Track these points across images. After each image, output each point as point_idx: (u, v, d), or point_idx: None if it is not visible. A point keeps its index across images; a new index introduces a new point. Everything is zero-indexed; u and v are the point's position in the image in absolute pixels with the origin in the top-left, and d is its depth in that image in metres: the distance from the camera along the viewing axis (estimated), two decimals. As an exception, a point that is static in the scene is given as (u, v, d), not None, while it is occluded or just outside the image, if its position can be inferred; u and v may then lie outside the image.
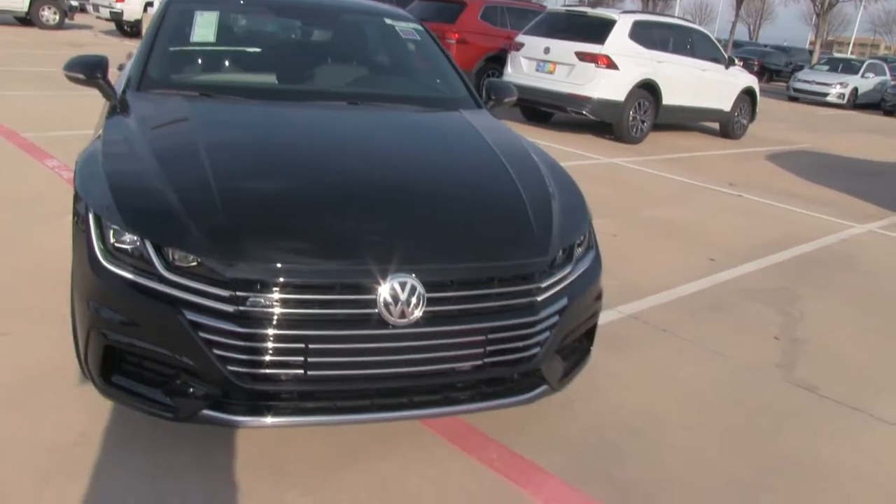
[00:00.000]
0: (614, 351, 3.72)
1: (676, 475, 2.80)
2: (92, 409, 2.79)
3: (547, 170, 3.11)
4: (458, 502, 2.52)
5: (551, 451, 2.85)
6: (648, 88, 10.28)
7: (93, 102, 9.01)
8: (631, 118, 10.19)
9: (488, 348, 2.47)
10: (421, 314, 2.33)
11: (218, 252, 2.24)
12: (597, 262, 2.93)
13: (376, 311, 2.29)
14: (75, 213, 2.59)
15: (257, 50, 3.90)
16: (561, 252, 2.70)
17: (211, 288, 2.24)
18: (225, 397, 2.31)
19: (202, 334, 2.22)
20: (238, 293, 2.22)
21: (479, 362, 2.48)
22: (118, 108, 3.15)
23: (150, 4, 18.09)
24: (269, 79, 3.63)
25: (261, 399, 2.32)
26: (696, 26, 11.70)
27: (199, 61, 3.64)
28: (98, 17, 20.93)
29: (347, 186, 2.63)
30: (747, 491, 2.76)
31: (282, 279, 2.24)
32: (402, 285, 2.30)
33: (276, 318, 2.23)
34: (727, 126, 12.07)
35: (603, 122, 10.42)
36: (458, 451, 2.78)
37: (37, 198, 5.28)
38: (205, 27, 3.63)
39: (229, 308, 2.22)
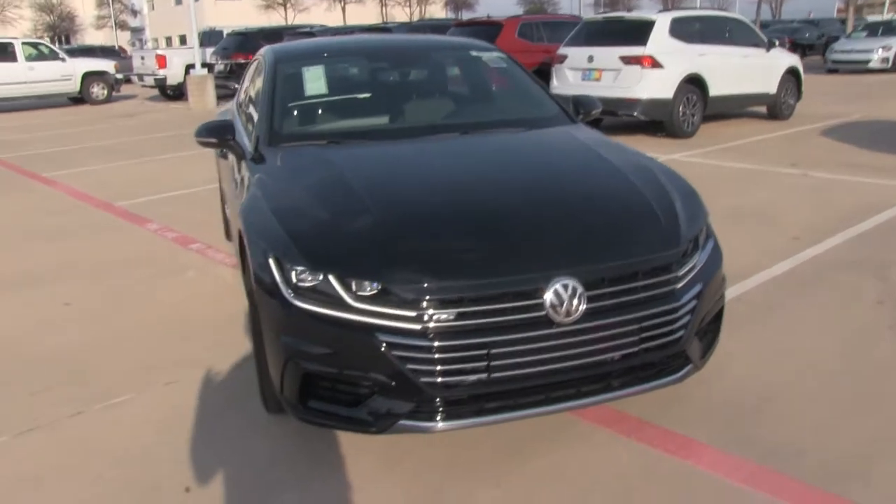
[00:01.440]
0: (729, 332, 3.90)
1: (819, 429, 3.00)
2: (273, 436, 3.11)
3: (657, 169, 3.36)
4: (634, 478, 2.76)
5: (699, 424, 3.08)
6: (695, 82, 10.47)
7: (164, 169, 9.60)
8: (681, 114, 10.37)
9: (642, 335, 2.72)
10: (583, 311, 2.59)
11: (399, 277, 2.54)
12: (717, 249, 3.16)
13: (544, 312, 2.57)
14: (249, 261, 2.89)
15: (366, 95, 4.23)
16: (689, 243, 2.95)
17: (398, 310, 2.52)
18: (418, 407, 2.59)
19: (395, 353, 2.50)
20: (423, 312, 2.51)
21: (634, 349, 2.73)
22: (258, 161, 3.49)
23: (191, 66, 18.76)
24: (383, 120, 3.96)
25: (450, 405, 2.60)
26: (732, 14, 11.90)
27: (318, 112, 3.98)
28: (143, 86, 21.79)
29: (494, 203, 2.92)
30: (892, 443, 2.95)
31: (460, 294, 2.53)
32: (565, 287, 2.58)
33: (459, 329, 2.52)
34: (775, 108, 12.14)
35: (654, 121, 10.63)
36: (616, 434, 3.03)
37: (150, 259, 5.70)
38: (314, 81, 3.97)
39: (417, 326, 2.51)
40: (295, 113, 3.90)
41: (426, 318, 2.51)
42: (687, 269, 2.89)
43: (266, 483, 2.80)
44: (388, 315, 2.53)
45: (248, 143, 3.79)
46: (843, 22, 36.29)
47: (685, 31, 10.56)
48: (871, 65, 22.54)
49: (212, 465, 2.93)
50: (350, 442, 3.01)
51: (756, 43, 11.68)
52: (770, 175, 8.07)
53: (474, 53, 4.58)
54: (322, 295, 2.61)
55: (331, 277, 2.60)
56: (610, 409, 3.18)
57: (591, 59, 10.63)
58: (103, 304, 4.78)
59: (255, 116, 3.98)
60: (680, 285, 2.84)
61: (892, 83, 19.80)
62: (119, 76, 21.75)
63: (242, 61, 18.07)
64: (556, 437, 3.02)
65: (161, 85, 20.91)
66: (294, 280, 2.66)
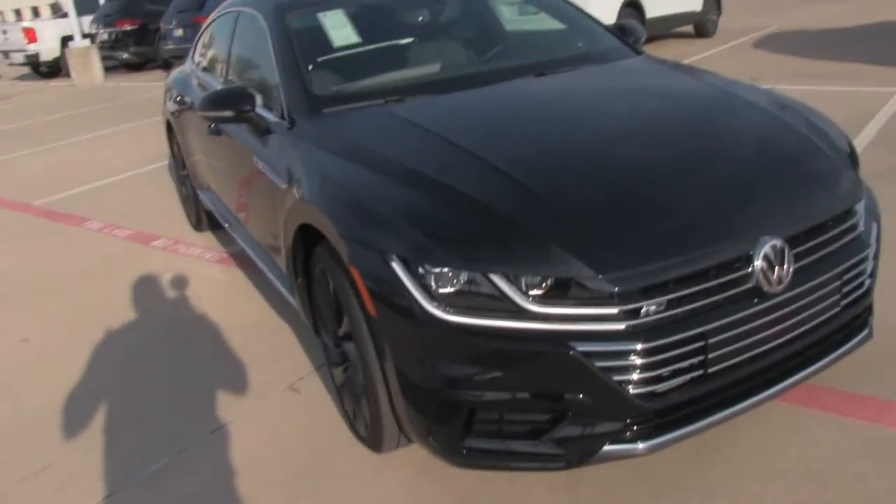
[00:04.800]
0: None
1: None
2: (392, 486, 2.50)
3: (793, 102, 2.91)
4: (854, 457, 2.32)
5: (876, 381, 2.68)
6: (633, 6, 10.11)
7: (76, 155, 8.50)
8: (623, 40, 9.98)
9: (843, 290, 2.29)
10: (792, 274, 2.11)
11: (587, 264, 1.96)
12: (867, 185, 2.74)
13: (754, 283, 2.07)
14: (352, 265, 2.24)
15: (409, 40, 3.52)
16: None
17: (593, 308, 1.96)
18: (624, 426, 2.05)
19: (598, 363, 1.95)
20: (626, 305, 1.95)
21: (837, 308, 2.29)
22: (305, 134, 2.79)
23: (69, 39, 16.87)
24: (435, 67, 3.27)
25: (659, 415, 2.07)
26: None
27: (358, 66, 3.24)
28: (11, 64, 19.51)
29: (654, 161, 2.33)
30: None
31: (662, 278, 1.98)
32: (774, 249, 2.08)
33: (670, 320, 1.99)
34: (701, 25, 11.97)
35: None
36: (796, 406, 2.59)
37: (110, 266, 4.85)
38: (339, 28, 3.24)
39: (620, 325, 1.95)
40: (330, 70, 3.17)
41: (630, 312, 1.96)
42: (863, 209, 2.45)
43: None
44: (581, 316, 1.96)
45: (268, 115, 3.07)
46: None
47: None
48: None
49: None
50: (504, 477, 2.42)
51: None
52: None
53: (504, -17, 3.97)
54: (481, 300, 2.00)
55: (494, 276, 1.99)
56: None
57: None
58: (72, 333, 3.91)
59: (263, 80, 3.25)
60: (862, 227, 2.41)
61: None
62: (-23, 56, 19.39)
63: (129, 28, 16.44)
64: (733, 428, 2.54)
65: (34, 62, 18.58)
66: (434, 285, 2.04)
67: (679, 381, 2.02)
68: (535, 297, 1.97)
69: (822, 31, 11.57)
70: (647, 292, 1.97)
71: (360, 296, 2.21)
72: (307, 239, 2.70)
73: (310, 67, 3.09)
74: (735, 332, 2.05)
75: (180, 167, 5.21)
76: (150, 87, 14.29)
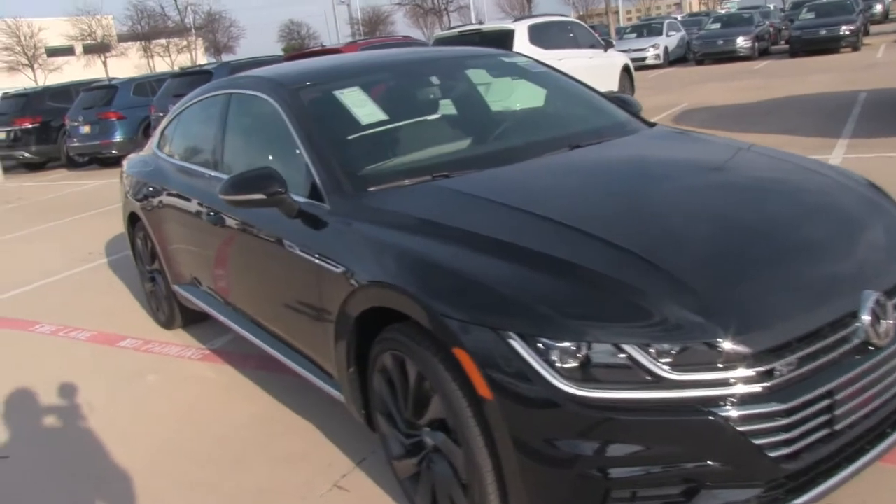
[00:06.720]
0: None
1: None
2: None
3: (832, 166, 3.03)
4: None
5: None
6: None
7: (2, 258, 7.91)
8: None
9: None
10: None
11: (723, 329, 1.91)
12: None
13: (863, 338, 2.05)
14: (447, 348, 2.12)
15: (436, 115, 3.46)
16: None
17: (728, 373, 1.89)
18: (764, 492, 1.95)
19: (740, 428, 1.87)
20: (760, 368, 1.90)
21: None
22: (354, 215, 2.66)
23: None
24: (465, 142, 3.21)
25: (795, 478, 1.98)
26: (572, 19, 12.10)
27: (390, 143, 3.14)
28: None
29: (751, 228, 2.32)
30: None
31: (787, 338, 1.95)
32: (878, 303, 2.08)
33: (799, 380, 1.94)
34: (619, 104, 12.54)
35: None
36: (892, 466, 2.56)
37: (79, 371, 4.42)
38: (361, 106, 3.14)
39: (757, 387, 1.89)
40: (361, 148, 3.06)
41: (765, 374, 1.90)
42: None
43: None
44: (718, 381, 1.88)
45: (298, 197, 2.90)
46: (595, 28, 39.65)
47: (540, 36, 10.56)
48: (648, 60, 24.58)
49: None
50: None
51: (594, 44, 11.97)
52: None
53: (507, 60, 3.98)
54: (612, 372, 1.90)
55: (626, 346, 1.90)
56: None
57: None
58: (62, 448, 3.55)
59: (279, 163, 3.10)
60: None
61: (674, 75, 21.47)
62: None
63: (29, 125, 15.86)
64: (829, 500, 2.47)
65: None
66: (558, 360, 1.93)
67: (810, 440, 1.96)
68: (668, 364, 1.89)
69: (728, 106, 12.27)
70: (777, 352, 1.92)
71: (467, 378, 2.06)
72: (361, 325, 2.56)
73: (342, 145, 2.98)
74: (855, 387, 2.02)
75: (148, 261, 4.91)
76: (56, 187, 13.79)
